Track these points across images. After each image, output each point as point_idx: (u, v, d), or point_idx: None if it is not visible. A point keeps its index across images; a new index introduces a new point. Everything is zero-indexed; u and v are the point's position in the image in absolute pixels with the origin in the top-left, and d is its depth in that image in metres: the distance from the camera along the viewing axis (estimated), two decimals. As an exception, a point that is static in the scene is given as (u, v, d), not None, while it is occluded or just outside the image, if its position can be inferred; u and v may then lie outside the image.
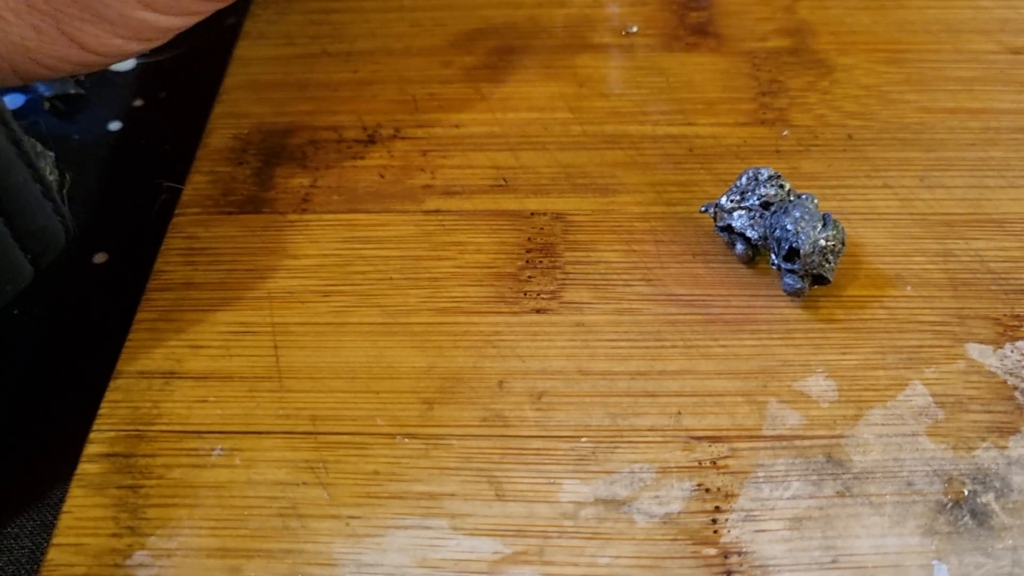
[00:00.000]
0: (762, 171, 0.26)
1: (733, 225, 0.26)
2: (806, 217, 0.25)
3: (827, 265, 0.25)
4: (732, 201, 0.26)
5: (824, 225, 0.25)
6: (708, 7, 0.32)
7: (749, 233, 0.26)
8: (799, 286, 0.25)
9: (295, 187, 0.29)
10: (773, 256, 0.25)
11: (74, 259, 0.30)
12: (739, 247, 0.26)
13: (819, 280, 0.25)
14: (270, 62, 0.32)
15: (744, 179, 0.26)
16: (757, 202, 0.26)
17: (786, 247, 0.25)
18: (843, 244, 0.25)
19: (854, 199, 0.27)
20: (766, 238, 0.25)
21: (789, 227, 0.25)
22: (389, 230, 0.27)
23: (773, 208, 0.26)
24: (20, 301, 0.28)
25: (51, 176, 0.23)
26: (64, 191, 0.24)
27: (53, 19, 0.23)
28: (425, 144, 0.29)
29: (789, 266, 0.25)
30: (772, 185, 0.26)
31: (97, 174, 0.32)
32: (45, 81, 0.34)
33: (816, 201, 0.26)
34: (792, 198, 0.26)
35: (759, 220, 0.26)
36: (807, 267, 0.25)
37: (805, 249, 0.24)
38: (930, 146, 0.28)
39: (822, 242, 0.24)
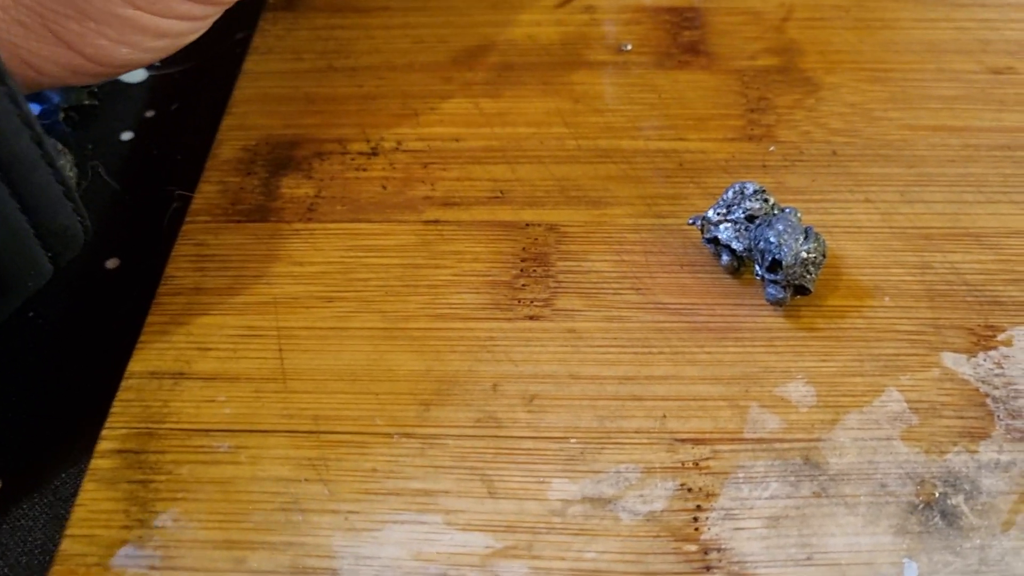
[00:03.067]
0: (748, 185, 0.27)
1: (719, 237, 0.27)
2: (789, 230, 0.26)
3: (808, 276, 0.26)
4: (719, 214, 0.27)
5: (806, 238, 0.26)
6: (700, 27, 0.34)
7: (735, 245, 0.27)
8: (781, 296, 0.26)
9: (301, 197, 0.30)
10: (757, 267, 0.26)
11: (88, 263, 0.31)
12: (725, 258, 0.27)
13: (800, 290, 0.26)
14: (278, 76, 0.33)
15: (730, 193, 0.27)
16: (743, 215, 0.27)
17: (769, 259, 0.26)
18: (824, 256, 0.26)
19: (837, 213, 0.28)
20: (751, 250, 0.27)
21: (772, 240, 0.26)
22: (390, 239, 0.28)
23: (758, 221, 0.27)
24: (35, 303, 0.30)
25: (71, 174, 0.24)
26: (88, 178, 0.24)
27: (38, 15, 0.23)
28: (426, 157, 0.31)
29: (772, 277, 0.26)
30: (757, 199, 0.27)
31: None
32: (59, 92, 0.35)
33: (799, 215, 0.27)
34: (776, 212, 0.27)
35: (744, 233, 0.27)
36: (789, 278, 0.26)
37: (787, 261, 0.25)
38: (911, 162, 0.29)
39: (803, 254, 0.26)
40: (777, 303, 0.26)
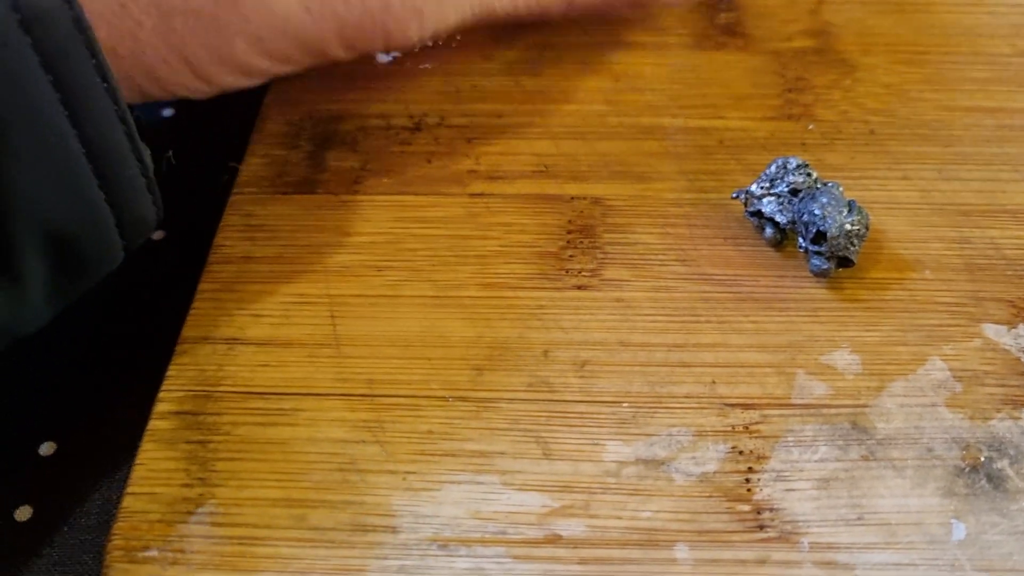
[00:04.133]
0: (791, 160, 0.28)
1: (763, 210, 0.27)
2: (833, 203, 0.26)
3: (852, 248, 0.26)
4: (762, 188, 0.28)
5: (850, 211, 0.26)
6: (736, 9, 0.34)
7: (778, 218, 0.27)
8: (825, 267, 0.26)
9: (346, 170, 0.30)
10: (801, 239, 0.27)
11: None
12: (768, 231, 0.27)
13: (844, 262, 0.27)
14: (319, 53, 0.34)
15: (773, 167, 0.28)
16: (786, 189, 0.27)
17: (813, 231, 0.26)
18: (867, 228, 0.27)
19: (876, 189, 0.29)
20: (794, 222, 0.27)
21: (817, 212, 0.26)
22: (437, 211, 0.29)
23: (801, 195, 0.27)
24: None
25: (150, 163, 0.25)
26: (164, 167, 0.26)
27: (179, 52, 0.25)
28: (469, 132, 0.31)
29: (816, 248, 0.26)
30: (800, 173, 0.27)
31: (152, 157, 0.33)
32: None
33: (841, 188, 0.27)
34: (819, 185, 0.27)
35: (787, 206, 0.27)
36: (833, 249, 0.26)
37: (832, 232, 0.26)
38: (948, 141, 0.30)
39: (848, 226, 0.26)
40: (821, 274, 0.27)
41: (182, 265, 0.29)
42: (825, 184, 0.27)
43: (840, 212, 0.26)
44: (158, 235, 0.31)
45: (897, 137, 0.30)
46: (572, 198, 0.29)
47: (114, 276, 0.30)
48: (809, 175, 0.27)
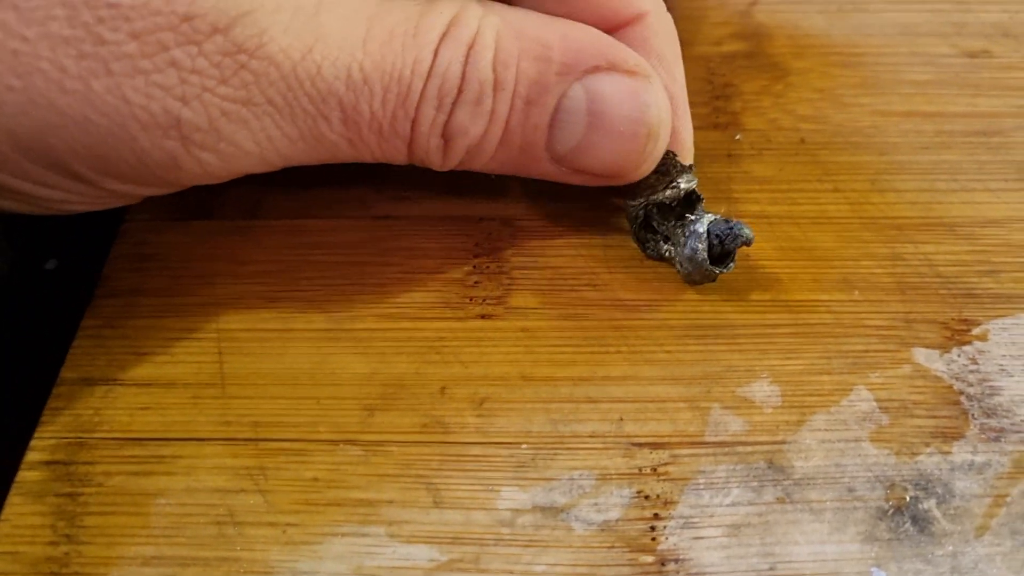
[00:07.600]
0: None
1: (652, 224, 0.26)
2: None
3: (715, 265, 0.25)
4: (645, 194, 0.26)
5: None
6: (665, 11, 0.32)
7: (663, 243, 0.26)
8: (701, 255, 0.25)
9: (245, 193, 0.28)
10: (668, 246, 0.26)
11: (26, 265, 0.29)
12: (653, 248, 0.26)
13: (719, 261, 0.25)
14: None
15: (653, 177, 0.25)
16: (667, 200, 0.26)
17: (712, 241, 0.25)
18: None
19: (804, 203, 0.27)
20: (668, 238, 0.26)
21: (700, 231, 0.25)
22: (338, 235, 0.27)
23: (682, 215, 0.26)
24: (-30, 308, 0.28)
25: None
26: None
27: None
28: (378, 149, 0.29)
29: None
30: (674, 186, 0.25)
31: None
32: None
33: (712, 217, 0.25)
34: (697, 216, 0.25)
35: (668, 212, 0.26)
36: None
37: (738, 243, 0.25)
38: (883, 150, 0.28)
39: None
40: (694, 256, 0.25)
41: (75, 297, 0.28)
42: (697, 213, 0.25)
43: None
44: (51, 264, 0.30)
45: (829, 146, 0.28)
46: (481, 219, 0.27)
47: (1, 308, 0.29)
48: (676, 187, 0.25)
